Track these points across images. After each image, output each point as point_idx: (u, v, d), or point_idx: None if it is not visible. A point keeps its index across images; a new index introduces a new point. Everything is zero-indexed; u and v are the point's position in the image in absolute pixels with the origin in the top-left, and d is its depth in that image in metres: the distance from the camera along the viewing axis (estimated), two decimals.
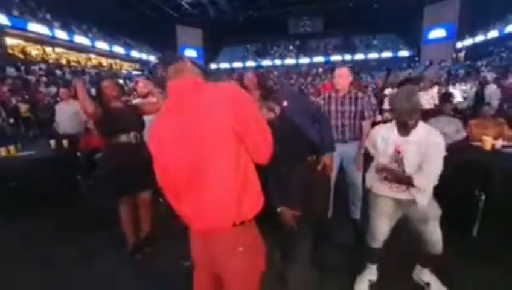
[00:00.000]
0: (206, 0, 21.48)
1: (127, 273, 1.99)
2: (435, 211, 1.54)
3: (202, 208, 0.88)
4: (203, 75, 0.96)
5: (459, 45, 21.11)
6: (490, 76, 8.76)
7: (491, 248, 1.97)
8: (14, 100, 8.86)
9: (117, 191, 2.12)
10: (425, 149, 1.41)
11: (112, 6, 17.81)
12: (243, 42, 28.31)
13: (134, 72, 20.87)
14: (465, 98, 7.50)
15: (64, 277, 2.00)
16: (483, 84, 6.58)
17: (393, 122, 1.54)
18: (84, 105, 1.93)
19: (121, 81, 12.03)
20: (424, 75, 14.09)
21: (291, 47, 27.96)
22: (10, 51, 13.82)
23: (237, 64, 27.36)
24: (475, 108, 5.76)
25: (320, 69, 24.51)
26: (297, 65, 26.78)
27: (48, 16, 15.98)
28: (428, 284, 1.65)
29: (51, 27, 15.52)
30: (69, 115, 4.09)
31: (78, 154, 3.47)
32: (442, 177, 1.49)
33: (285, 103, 1.64)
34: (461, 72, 17.34)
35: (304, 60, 26.76)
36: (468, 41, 20.50)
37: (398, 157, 1.50)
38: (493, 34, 18.55)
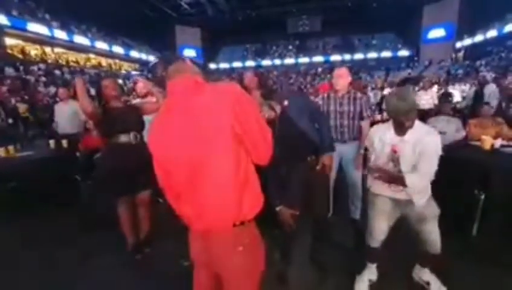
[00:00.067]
0: (204, 0, 21.46)
1: (127, 273, 1.99)
2: (433, 211, 1.54)
3: (202, 208, 0.88)
4: (203, 74, 0.96)
5: (458, 44, 21.14)
6: (489, 76, 8.77)
7: (490, 247, 1.97)
8: (13, 100, 8.84)
9: (116, 192, 2.12)
10: (420, 148, 1.41)
11: (111, 6, 17.77)
12: (242, 42, 28.31)
13: (134, 72, 20.85)
14: (463, 98, 7.52)
15: (64, 277, 2.00)
16: (482, 83, 6.58)
17: (390, 122, 1.55)
18: (84, 104, 1.92)
19: (120, 81, 12.03)
20: (423, 75, 14.13)
21: (290, 47, 27.97)
22: (9, 51, 13.79)
23: (237, 64, 27.36)
24: (474, 107, 5.77)
25: (320, 69, 24.53)
26: (296, 65, 26.78)
27: (47, 16, 15.96)
28: (428, 283, 1.65)
29: (50, 27, 15.49)
30: (68, 115, 4.09)
31: (78, 154, 3.47)
32: (442, 176, 1.50)
33: (285, 103, 1.64)
34: (460, 71, 17.38)
35: (304, 60, 26.76)
36: (467, 41, 20.52)
37: (394, 156, 1.50)
38: (492, 33, 18.58)
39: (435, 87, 6.72)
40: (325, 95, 2.44)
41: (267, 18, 24.59)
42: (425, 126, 1.50)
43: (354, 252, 2.06)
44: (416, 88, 6.29)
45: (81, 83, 1.99)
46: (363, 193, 2.30)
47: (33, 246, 2.39)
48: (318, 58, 26.39)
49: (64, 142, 3.58)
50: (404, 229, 1.63)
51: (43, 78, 12.82)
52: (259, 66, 25.71)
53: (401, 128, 1.48)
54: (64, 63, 16.62)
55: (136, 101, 3.15)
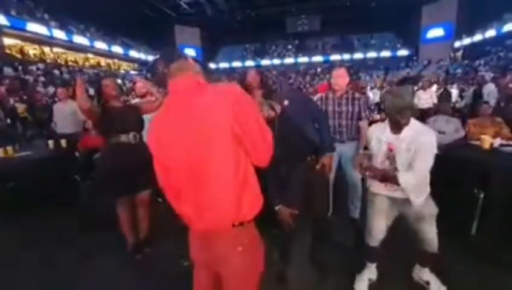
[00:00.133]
0: (204, 0, 21.44)
1: (127, 273, 1.99)
2: (431, 210, 1.55)
3: (202, 208, 0.88)
4: (204, 74, 0.96)
5: (457, 44, 21.17)
6: (488, 75, 8.79)
7: (489, 246, 1.97)
8: (12, 100, 8.81)
9: (116, 192, 2.11)
10: (416, 146, 1.42)
11: (110, 6, 17.73)
12: (241, 42, 28.29)
13: (133, 72, 20.81)
14: (462, 97, 7.54)
15: (64, 277, 2.00)
16: (481, 83, 6.60)
17: (387, 120, 1.55)
18: (81, 101, 1.92)
19: (119, 81, 12.01)
20: (422, 74, 14.15)
21: (289, 46, 27.97)
22: (8, 51, 13.74)
23: (236, 64, 27.36)
24: (473, 107, 5.78)
25: (319, 69, 24.54)
26: (296, 64, 26.79)
27: (46, 16, 15.91)
28: (427, 283, 1.66)
29: (48, 27, 15.44)
30: (67, 115, 4.08)
31: (77, 154, 3.46)
32: (441, 176, 1.50)
33: (286, 102, 1.64)
34: (459, 71, 17.42)
35: (303, 60, 26.78)
36: (466, 41, 20.56)
37: (390, 154, 1.51)
38: (491, 33, 18.61)
39: (434, 87, 6.72)
40: (324, 95, 2.44)
41: (266, 18, 24.58)
42: (421, 124, 1.51)
43: (354, 251, 2.06)
44: (416, 88, 6.30)
45: (81, 81, 2.00)
46: (363, 192, 2.30)
47: (33, 246, 2.39)
48: (317, 58, 26.40)
49: (63, 142, 3.57)
50: (404, 229, 1.64)
51: (42, 78, 12.79)
52: (258, 66, 25.69)
53: (396, 126, 1.49)
54: (63, 62, 16.58)
55: (135, 101, 3.15)
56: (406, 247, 1.70)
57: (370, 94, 7.84)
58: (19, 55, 14.17)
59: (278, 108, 1.62)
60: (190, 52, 25.11)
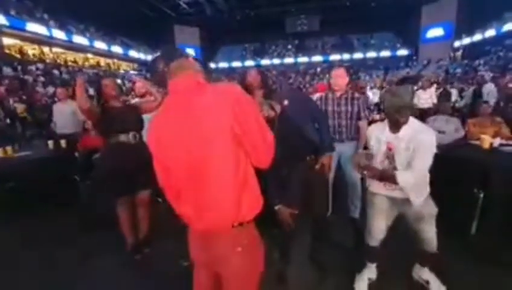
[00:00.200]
0: None
1: (127, 274, 1.99)
2: (431, 210, 1.55)
3: (201, 208, 0.88)
4: (204, 73, 0.95)
5: (456, 43, 21.18)
6: (487, 75, 8.80)
7: (489, 246, 1.98)
8: (11, 100, 8.80)
9: (115, 192, 2.11)
10: (414, 145, 1.42)
11: (109, 5, 17.70)
12: (241, 41, 28.28)
13: (131, 72, 20.78)
14: (462, 97, 7.54)
15: (64, 277, 2.00)
16: (480, 83, 6.61)
17: (386, 120, 1.55)
18: (81, 101, 1.92)
19: (119, 81, 11.98)
20: (422, 74, 14.16)
21: (289, 46, 27.97)
22: (7, 51, 13.72)
23: (236, 64, 27.35)
24: (473, 106, 5.78)
25: (319, 69, 24.54)
26: (295, 64, 26.79)
27: (45, 16, 15.88)
28: (427, 282, 1.66)
29: (48, 27, 15.42)
30: (66, 115, 4.08)
31: (76, 154, 3.46)
32: (441, 175, 1.50)
33: (285, 102, 1.64)
34: (459, 71, 17.42)
35: (303, 59, 26.78)
36: (466, 40, 20.57)
37: (389, 154, 1.51)
38: (490, 32, 18.62)
39: (434, 87, 6.73)
40: (323, 95, 2.44)
41: (265, 17, 24.56)
42: (420, 123, 1.51)
43: (354, 251, 2.06)
44: (415, 87, 6.30)
45: (81, 81, 2.00)
46: (363, 192, 2.31)
47: (33, 246, 2.39)
48: (317, 58, 26.40)
49: (63, 142, 3.57)
50: (403, 228, 1.64)
51: (41, 78, 12.77)
52: (258, 66, 25.70)
53: (395, 126, 1.49)
54: (62, 63, 16.55)
55: (134, 100, 3.14)
56: (405, 247, 1.70)
57: (370, 94, 7.85)
58: (18, 55, 14.15)
59: (278, 108, 1.62)
60: (189, 52, 24.99)
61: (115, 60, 21.25)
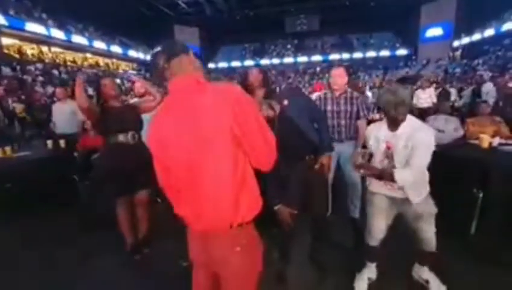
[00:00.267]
0: None
1: (127, 274, 1.99)
2: (430, 209, 1.55)
3: (200, 208, 0.88)
4: (204, 72, 0.95)
5: (455, 43, 21.22)
6: (486, 75, 8.82)
7: (489, 246, 1.98)
8: (10, 100, 8.78)
9: (115, 192, 2.11)
10: (413, 143, 1.41)
11: (108, 5, 17.66)
12: (240, 41, 28.27)
13: (131, 71, 20.74)
14: (461, 97, 7.56)
15: (64, 277, 2.00)
16: (479, 82, 6.62)
17: (384, 119, 1.56)
18: (80, 100, 1.92)
19: (118, 81, 11.96)
20: (421, 73, 14.17)
21: (289, 46, 27.97)
22: (6, 51, 13.68)
23: (236, 64, 27.34)
24: (472, 106, 5.79)
25: (318, 68, 24.55)
26: (295, 64, 26.80)
27: (44, 15, 15.84)
28: (427, 282, 1.66)
29: (47, 26, 15.38)
30: (66, 115, 4.07)
31: (75, 154, 3.46)
32: (440, 175, 1.50)
33: (285, 102, 1.64)
34: (458, 70, 17.45)
35: (302, 59, 26.78)
36: (465, 40, 20.61)
37: (388, 153, 1.51)
38: (489, 32, 18.65)
39: (433, 86, 6.74)
40: (322, 94, 2.45)
41: (265, 17, 24.56)
42: (418, 121, 1.50)
43: (353, 251, 2.07)
44: (414, 87, 6.31)
45: (81, 79, 2.00)
46: (362, 191, 2.31)
47: (33, 246, 2.39)
48: (317, 58, 26.41)
49: (62, 143, 3.57)
50: (403, 228, 1.64)
51: (40, 78, 12.74)
52: (258, 65, 25.72)
53: (393, 124, 1.49)
54: (61, 62, 16.51)
55: (134, 100, 3.14)
56: (405, 246, 1.70)
57: (369, 94, 7.86)
58: (17, 55, 14.11)
59: (277, 108, 1.62)
60: None
61: (114, 60, 21.21)
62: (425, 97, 5.71)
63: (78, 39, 17.31)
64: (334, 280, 1.83)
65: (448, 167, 2.24)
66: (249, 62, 26.73)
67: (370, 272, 1.75)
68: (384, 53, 25.06)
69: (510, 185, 1.93)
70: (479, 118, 3.15)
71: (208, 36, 27.04)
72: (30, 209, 2.70)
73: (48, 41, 15.75)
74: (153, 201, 2.33)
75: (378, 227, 1.63)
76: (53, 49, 16.53)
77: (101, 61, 19.89)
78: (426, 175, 1.52)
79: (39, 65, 14.41)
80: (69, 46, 17.08)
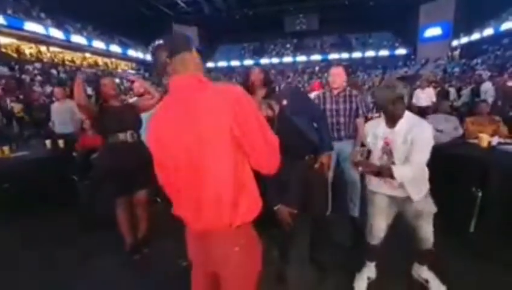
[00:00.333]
0: None
1: (127, 273, 1.99)
2: (430, 208, 1.55)
3: (200, 208, 0.87)
4: (204, 70, 0.94)
5: (454, 43, 21.26)
6: (485, 74, 8.85)
7: (488, 244, 1.99)
8: (8, 100, 8.75)
9: (114, 192, 2.11)
10: (411, 138, 1.41)
11: (107, 4, 17.61)
12: (239, 41, 28.25)
13: (130, 71, 20.69)
14: (460, 96, 7.58)
15: (64, 277, 2.00)
16: (478, 82, 6.65)
17: (382, 116, 1.55)
18: (79, 98, 1.92)
19: (117, 80, 11.93)
20: (420, 73, 14.19)
21: (288, 45, 27.97)
22: (3, 50, 13.63)
23: (235, 63, 27.34)
24: (471, 105, 5.81)
25: (317, 68, 24.56)
26: (294, 63, 26.80)
27: (42, 15, 15.78)
28: (427, 281, 1.67)
29: (45, 26, 15.32)
30: (64, 114, 4.06)
31: (74, 154, 3.45)
32: (440, 174, 1.50)
33: (284, 102, 1.64)
34: (457, 70, 17.50)
35: (301, 58, 26.80)
36: (464, 40, 20.66)
37: (387, 149, 1.50)
38: (488, 32, 18.70)
39: (432, 86, 6.75)
40: (321, 93, 2.45)
41: (264, 17, 24.55)
42: (416, 117, 1.50)
43: (353, 250, 2.07)
44: (414, 87, 6.33)
45: (81, 78, 2.00)
46: (362, 190, 2.31)
47: (33, 246, 2.38)
48: (316, 57, 26.44)
49: (61, 142, 3.56)
50: (403, 227, 1.64)
51: (39, 78, 12.70)
52: (257, 65, 25.70)
53: (392, 120, 1.48)
54: (60, 62, 16.46)
55: (133, 99, 3.14)
56: (405, 246, 1.70)
57: (368, 93, 7.86)
58: (15, 55, 14.07)
59: (277, 108, 1.62)
60: None
61: (113, 60, 21.17)
62: (425, 97, 5.72)
63: (76, 39, 17.27)
64: (333, 279, 1.83)
65: (448, 166, 2.25)
66: (248, 61, 26.73)
67: (369, 271, 1.75)
68: (383, 53, 25.10)
69: (509, 184, 1.94)
70: (478, 118, 3.16)
71: (207, 35, 26.99)
72: (30, 209, 2.70)
73: (46, 40, 15.71)
74: (152, 201, 2.32)
75: (379, 226, 1.63)
76: (51, 48, 16.50)
77: (100, 60, 19.84)
78: (426, 172, 1.52)
79: (37, 65, 14.38)
80: (68, 45, 17.05)
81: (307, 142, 1.70)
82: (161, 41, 0.88)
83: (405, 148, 1.43)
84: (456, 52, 21.12)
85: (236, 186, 0.85)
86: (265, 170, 0.92)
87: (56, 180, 3.09)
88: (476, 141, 2.55)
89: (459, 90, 8.47)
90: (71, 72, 14.95)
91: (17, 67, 12.73)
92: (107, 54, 20.16)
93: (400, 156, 1.46)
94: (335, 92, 2.35)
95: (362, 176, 2.13)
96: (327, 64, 20.97)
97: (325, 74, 16.92)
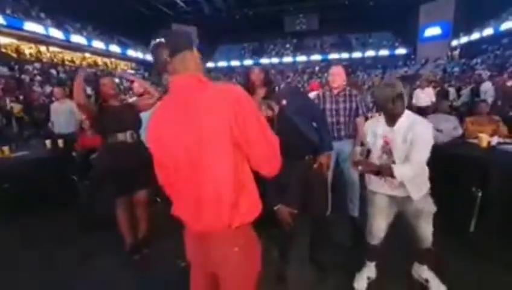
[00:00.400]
0: None
1: (126, 274, 1.99)
2: (429, 208, 1.55)
3: (199, 208, 0.87)
4: (204, 69, 0.93)
5: (454, 42, 21.27)
6: (485, 74, 8.85)
7: (488, 244, 1.99)
8: (7, 100, 8.75)
9: (113, 192, 2.11)
10: (411, 137, 1.40)
11: (106, 4, 17.59)
12: (239, 41, 28.24)
13: (129, 71, 20.67)
14: (459, 96, 7.59)
15: (64, 277, 2.00)
16: (478, 82, 6.65)
17: (382, 115, 1.55)
18: (79, 96, 1.92)
19: (116, 80, 11.89)
20: (420, 73, 14.20)
21: (288, 45, 27.96)
22: (3, 50, 13.62)
23: (235, 63, 27.32)
24: (470, 105, 5.82)
25: (317, 68, 24.56)
26: (294, 63, 26.79)
27: (42, 15, 15.77)
28: (427, 281, 1.67)
29: (45, 26, 15.31)
30: (64, 114, 4.07)
31: (74, 154, 3.45)
32: (440, 174, 1.50)
33: (284, 102, 1.64)
34: (456, 69, 17.50)
35: (301, 58, 26.78)
36: (464, 39, 20.67)
37: (386, 148, 1.50)
38: (488, 31, 18.71)
39: (432, 86, 6.76)
40: (321, 93, 2.45)
41: (264, 17, 24.53)
42: (415, 115, 1.49)
43: (353, 250, 2.07)
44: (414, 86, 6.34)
45: (82, 76, 2.00)
46: (361, 190, 2.31)
47: (33, 246, 2.38)
48: (316, 57, 26.43)
49: (61, 142, 3.56)
50: (403, 227, 1.64)
51: (38, 78, 12.69)
52: (257, 65, 25.68)
53: (390, 118, 1.48)
54: (59, 62, 16.45)
55: (132, 99, 3.14)
56: (405, 245, 1.70)
57: (368, 93, 7.86)
58: (14, 55, 14.05)
59: (276, 108, 1.62)
60: None
61: (113, 59, 21.15)
62: (424, 96, 5.73)
63: (76, 38, 17.25)
64: (333, 279, 1.83)
65: (448, 166, 2.25)
66: (248, 61, 26.70)
67: (369, 271, 1.76)
68: (383, 52, 25.09)
69: (509, 184, 1.94)
70: (478, 117, 3.16)
71: (207, 35, 26.96)
72: (30, 209, 2.70)
73: (46, 40, 15.69)
74: (152, 201, 2.32)
75: (379, 226, 1.63)
76: (51, 48, 16.48)
77: (100, 60, 19.83)
78: (426, 171, 1.51)
79: (37, 65, 14.36)
80: (68, 45, 17.03)
81: (307, 142, 1.70)
82: (162, 40, 0.86)
83: (405, 147, 1.43)
84: (456, 52, 21.13)
85: (236, 186, 0.85)
86: (266, 171, 0.91)
87: (56, 180, 3.09)
88: (475, 140, 2.55)
89: (458, 90, 8.47)
90: (71, 72, 14.93)
91: (16, 67, 12.72)
92: (107, 53, 20.14)
93: (399, 155, 1.45)
94: (335, 91, 2.35)
95: (361, 176, 2.13)
96: (327, 64, 20.96)
97: (325, 74, 16.94)
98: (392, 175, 1.39)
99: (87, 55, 18.91)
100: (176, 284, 1.34)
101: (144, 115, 2.17)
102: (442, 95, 6.29)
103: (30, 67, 13.57)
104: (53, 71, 14.55)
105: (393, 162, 1.46)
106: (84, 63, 18.38)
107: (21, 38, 14.57)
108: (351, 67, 21.23)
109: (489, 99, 5.53)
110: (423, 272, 1.69)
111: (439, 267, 1.69)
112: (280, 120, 1.58)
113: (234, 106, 0.80)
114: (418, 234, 1.58)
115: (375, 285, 1.73)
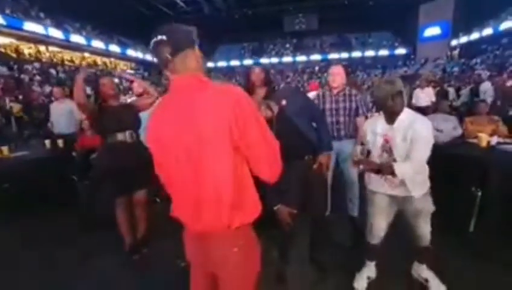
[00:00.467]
0: None
1: (127, 274, 1.99)
2: (428, 207, 1.55)
3: (199, 209, 0.87)
4: (205, 69, 0.93)
5: (453, 42, 21.28)
6: (484, 74, 8.86)
7: (487, 244, 2.00)
8: (7, 100, 8.74)
9: (113, 192, 2.11)
10: (412, 135, 1.40)
11: (105, 4, 17.58)
12: (239, 40, 28.24)
13: (129, 71, 20.65)
14: (459, 96, 7.59)
15: (64, 277, 2.00)
16: (477, 82, 6.65)
17: (381, 113, 1.55)
18: (78, 96, 1.92)
19: (116, 80, 11.91)
20: (419, 73, 14.20)
21: (287, 45, 27.96)
22: (2, 50, 13.61)
23: (234, 63, 27.31)
24: (470, 105, 5.82)
25: (317, 67, 24.56)
26: (294, 63, 26.79)
27: (41, 15, 15.75)
28: (426, 280, 1.67)
29: (44, 26, 15.29)
30: (63, 114, 4.06)
31: (74, 154, 3.45)
32: (439, 173, 1.50)
33: (283, 102, 1.64)
34: (456, 69, 17.52)
35: (301, 58, 26.79)
36: (463, 39, 20.68)
37: (386, 146, 1.50)
38: (487, 31, 18.72)
39: (431, 86, 6.76)
40: (321, 93, 2.45)
41: (263, 16, 24.54)
42: (415, 113, 1.49)
43: (353, 250, 2.07)
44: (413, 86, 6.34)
45: (84, 75, 2.00)
46: (361, 189, 2.31)
47: (33, 246, 2.38)
48: (315, 57, 26.44)
49: (60, 142, 3.56)
50: (403, 227, 1.65)
51: (38, 77, 12.68)
52: (257, 64, 25.67)
53: (390, 116, 1.47)
54: (59, 62, 16.43)
55: (131, 99, 3.14)
56: (405, 245, 1.70)
57: (367, 93, 7.86)
58: (14, 54, 14.04)
59: (276, 108, 1.62)
60: None
61: (112, 59, 21.13)
62: (424, 96, 5.73)
63: (76, 38, 17.23)
64: (333, 279, 1.83)
65: (447, 166, 2.25)
66: (247, 61, 26.70)
67: (369, 271, 1.76)
68: (383, 52, 25.10)
69: (508, 184, 1.94)
70: (477, 117, 3.16)
71: (206, 35, 26.96)
72: (30, 209, 2.70)
73: (45, 40, 15.67)
74: (152, 201, 2.32)
75: (379, 226, 1.63)
76: (50, 48, 16.46)
77: (99, 60, 19.81)
78: (426, 169, 1.51)
79: (36, 64, 14.35)
80: (67, 45, 17.01)
81: (307, 142, 1.70)
82: (164, 37, 0.83)
83: (405, 145, 1.43)
84: (455, 52, 21.15)
85: (236, 187, 0.85)
86: (266, 175, 0.90)
87: (56, 180, 3.09)
88: (475, 140, 2.56)
89: (458, 90, 8.48)
90: (70, 71, 14.92)
91: (16, 67, 12.71)
92: (106, 53, 20.12)
93: (400, 153, 1.45)
94: (335, 91, 2.35)
95: (361, 176, 2.13)
96: (327, 64, 20.96)
97: (325, 74, 16.95)
98: (392, 173, 1.39)
99: (86, 55, 18.89)
100: (175, 284, 1.34)
101: (143, 115, 2.17)
102: (441, 95, 6.29)
103: (29, 67, 13.56)
104: (52, 71, 14.54)
105: (394, 161, 1.46)
106: (84, 62, 18.36)
107: (20, 38, 14.55)
108: (350, 67, 21.23)
109: (489, 99, 5.54)
110: (423, 271, 1.69)
111: (438, 266, 1.69)
112: (280, 120, 1.58)
113: (235, 107, 0.80)
114: (416, 233, 1.58)
115: (375, 285, 1.73)
